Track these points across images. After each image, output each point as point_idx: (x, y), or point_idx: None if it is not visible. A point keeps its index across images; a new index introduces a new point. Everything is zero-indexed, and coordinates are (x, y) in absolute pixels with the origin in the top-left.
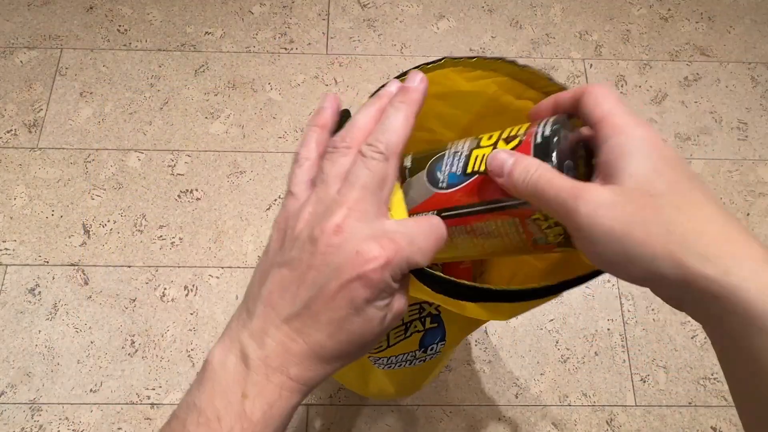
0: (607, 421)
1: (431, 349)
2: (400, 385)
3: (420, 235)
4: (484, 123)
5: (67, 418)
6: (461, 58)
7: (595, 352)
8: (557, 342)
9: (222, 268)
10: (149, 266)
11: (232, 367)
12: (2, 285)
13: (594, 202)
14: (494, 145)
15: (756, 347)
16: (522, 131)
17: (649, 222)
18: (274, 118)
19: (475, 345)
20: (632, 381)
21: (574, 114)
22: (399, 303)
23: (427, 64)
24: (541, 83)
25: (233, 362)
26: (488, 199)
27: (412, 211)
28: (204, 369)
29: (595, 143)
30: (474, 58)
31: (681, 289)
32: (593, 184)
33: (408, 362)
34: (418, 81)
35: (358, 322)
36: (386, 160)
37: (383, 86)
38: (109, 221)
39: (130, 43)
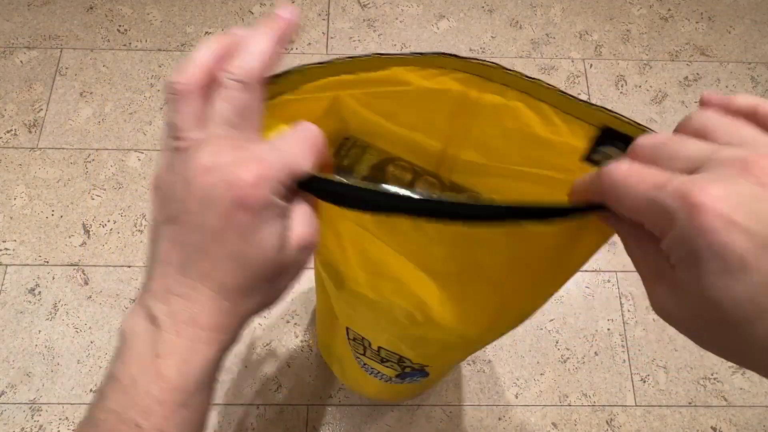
0: (607, 421)
1: (410, 380)
2: (366, 384)
3: (291, 144)
4: (461, 123)
5: (67, 418)
6: (407, 55)
7: (595, 352)
8: (557, 342)
9: None
10: None
11: (143, 331)
12: (2, 285)
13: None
14: None
15: None
16: None
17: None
18: None
19: None
20: (632, 381)
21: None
22: (301, 226)
23: (368, 56)
24: (496, 75)
25: (142, 326)
26: None
27: None
28: (118, 340)
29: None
30: (416, 54)
31: None
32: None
33: (384, 380)
34: (287, 12)
35: (251, 250)
36: (245, 90)
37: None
38: (109, 221)
39: (130, 43)
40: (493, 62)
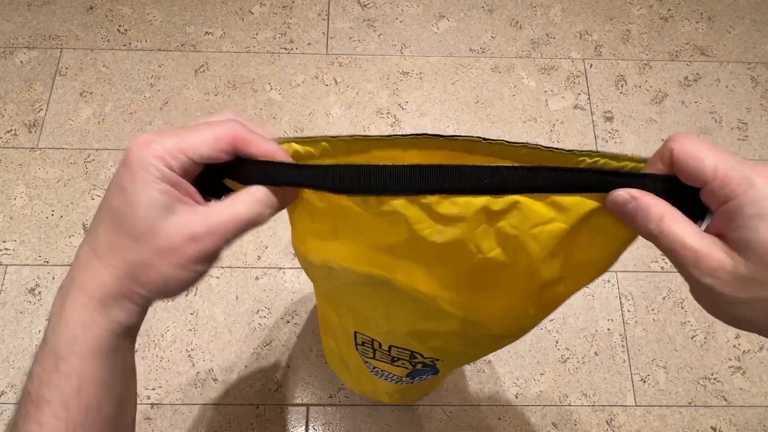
0: (607, 421)
1: (419, 379)
2: (378, 389)
3: (199, 132)
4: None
5: None
6: (386, 137)
7: (595, 352)
8: (557, 342)
9: (222, 268)
10: None
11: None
12: (2, 285)
13: (723, 278)
14: None
15: None
16: None
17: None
18: (274, 118)
19: None
20: (632, 381)
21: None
22: (194, 220)
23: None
24: (479, 148)
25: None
26: None
27: None
28: None
29: (710, 200)
30: (397, 137)
31: None
32: (722, 254)
33: (394, 381)
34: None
35: (123, 206)
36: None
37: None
38: None
39: (130, 43)
40: (474, 137)
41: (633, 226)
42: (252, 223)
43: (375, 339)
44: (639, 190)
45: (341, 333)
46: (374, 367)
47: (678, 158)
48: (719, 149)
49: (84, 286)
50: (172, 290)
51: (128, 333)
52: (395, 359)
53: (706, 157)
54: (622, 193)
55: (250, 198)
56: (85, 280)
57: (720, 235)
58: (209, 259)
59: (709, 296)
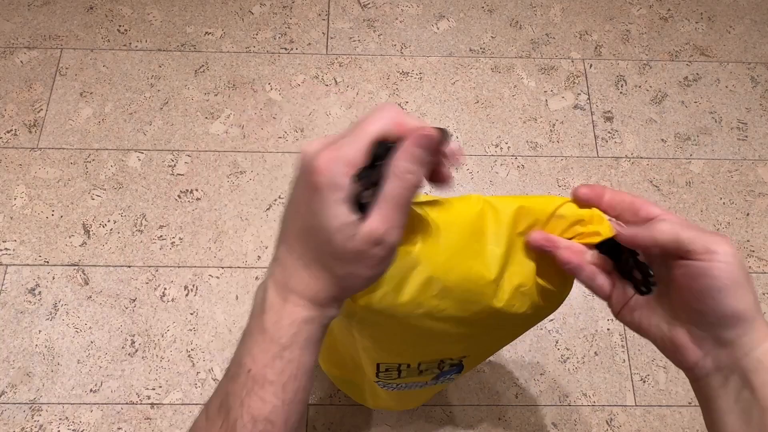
0: (607, 421)
1: (443, 380)
2: (401, 401)
3: (364, 130)
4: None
5: (67, 418)
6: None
7: (595, 352)
8: (557, 342)
9: (222, 268)
10: (149, 266)
11: (261, 292)
12: (2, 285)
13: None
14: None
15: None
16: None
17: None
18: (274, 118)
19: None
20: (632, 381)
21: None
22: (375, 220)
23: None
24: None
25: (262, 288)
26: None
27: None
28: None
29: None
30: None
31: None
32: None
33: (418, 387)
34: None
35: (317, 225)
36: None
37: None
38: (109, 221)
39: (130, 43)
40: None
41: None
42: (412, 196)
43: (402, 363)
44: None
45: (354, 364)
46: (396, 385)
47: (660, 240)
48: (696, 227)
49: (300, 290)
50: (370, 284)
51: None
52: (423, 371)
53: (677, 231)
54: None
55: (392, 177)
56: (299, 285)
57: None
58: (395, 249)
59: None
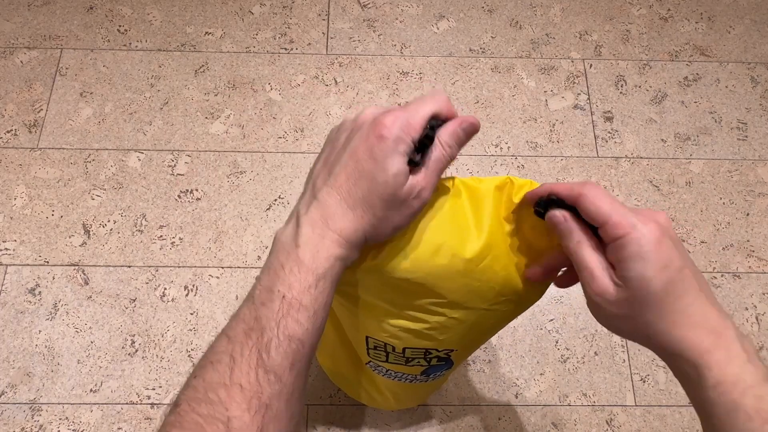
0: (607, 421)
1: (434, 376)
2: (396, 396)
3: (421, 105)
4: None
5: (67, 418)
6: None
7: (595, 352)
8: (557, 342)
9: (222, 268)
10: (149, 266)
11: (289, 230)
12: (2, 285)
13: (606, 298)
14: None
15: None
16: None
17: (641, 323)
18: (274, 118)
19: None
20: (632, 381)
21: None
22: (420, 177)
23: None
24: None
25: (291, 226)
26: None
27: None
28: (272, 243)
29: (605, 236)
30: None
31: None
32: (609, 281)
33: (408, 380)
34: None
35: (378, 170)
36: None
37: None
38: (109, 221)
39: (130, 43)
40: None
41: (559, 239)
42: (447, 166)
43: (388, 343)
44: (570, 214)
45: (343, 346)
46: (387, 370)
47: (583, 200)
48: (616, 200)
49: (341, 228)
50: (395, 233)
51: None
52: (410, 359)
53: (604, 204)
54: (558, 214)
55: (439, 146)
56: (341, 223)
57: (612, 266)
58: (423, 206)
59: (596, 309)
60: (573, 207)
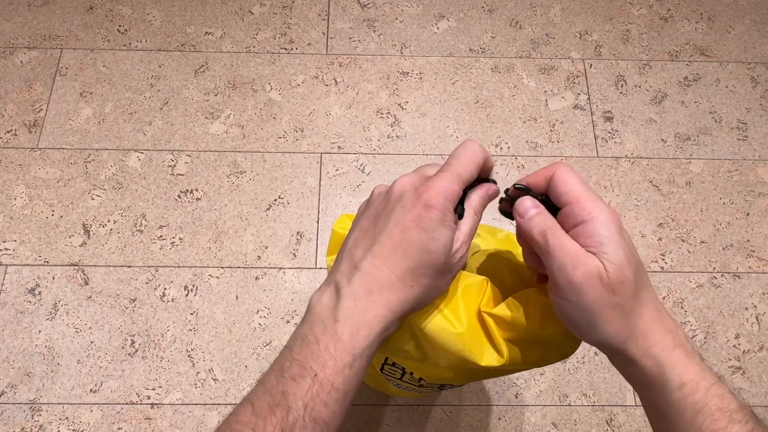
0: (607, 421)
1: (446, 389)
2: (402, 394)
3: (458, 166)
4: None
5: (67, 418)
6: None
7: (595, 352)
8: None
9: (222, 268)
10: (149, 266)
11: (327, 301)
12: (2, 285)
13: (600, 281)
14: None
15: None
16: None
17: (616, 313)
18: (274, 118)
19: None
20: None
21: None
22: (458, 240)
23: None
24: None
25: (328, 296)
26: None
27: None
28: (307, 310)
29: (569, 217)
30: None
31: (620, 360)
32: (598, 262)
33: (418, 392)
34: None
35: (430, 241)
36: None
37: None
38: (109, 221)
39: (130, 43)
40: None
41: (527, 231)
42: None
43: (406, 368)
44: (537, 206)
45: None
46: (398, 384)
47: (556, 181)
48: (585, 183)
49: (387, 300)
50: (434, 299)
51: None
52: (423, 387)
53: (575, 184)
54: (528, 200)
55: (472, 212)
56: (388, 295)
57: None
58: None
59: (575, 297)
60: (538, 195)
